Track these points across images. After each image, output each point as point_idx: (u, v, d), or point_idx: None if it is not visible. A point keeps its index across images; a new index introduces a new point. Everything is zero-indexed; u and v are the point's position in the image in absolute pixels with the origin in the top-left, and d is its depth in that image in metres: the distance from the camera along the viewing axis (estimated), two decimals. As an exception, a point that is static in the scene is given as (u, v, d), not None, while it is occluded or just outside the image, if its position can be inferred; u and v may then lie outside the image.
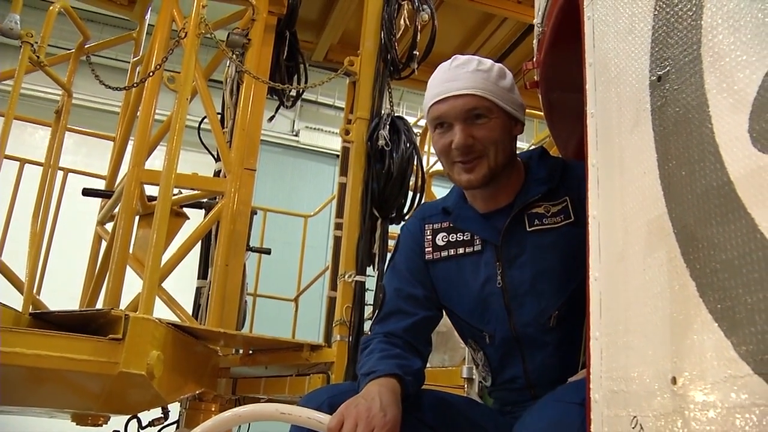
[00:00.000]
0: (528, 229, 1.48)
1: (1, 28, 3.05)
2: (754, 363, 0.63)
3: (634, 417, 0.80)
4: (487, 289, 1.50)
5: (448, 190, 1.70)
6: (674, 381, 0.73)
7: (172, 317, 3.30)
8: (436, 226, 1.61)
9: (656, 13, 0.85)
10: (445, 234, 1.59)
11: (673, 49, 0.81)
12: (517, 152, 1.60)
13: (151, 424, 3.45)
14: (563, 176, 1.52)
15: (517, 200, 1.51)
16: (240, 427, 3.79)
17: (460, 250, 1.55)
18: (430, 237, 1.60)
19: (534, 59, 1.70)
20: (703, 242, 0.71)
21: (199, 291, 3.79)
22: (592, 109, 1.02)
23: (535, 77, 1.68)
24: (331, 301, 3.35)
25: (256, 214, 4.19)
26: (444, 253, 1.57)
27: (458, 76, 1.47)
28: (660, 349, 0.77)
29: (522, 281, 1.47)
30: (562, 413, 1.15)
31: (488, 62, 1.52)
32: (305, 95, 8.15)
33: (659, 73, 0.83)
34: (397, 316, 1.56)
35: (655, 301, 0.79)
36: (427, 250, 1.59)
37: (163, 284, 3.23)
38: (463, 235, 1.56)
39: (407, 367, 1.43)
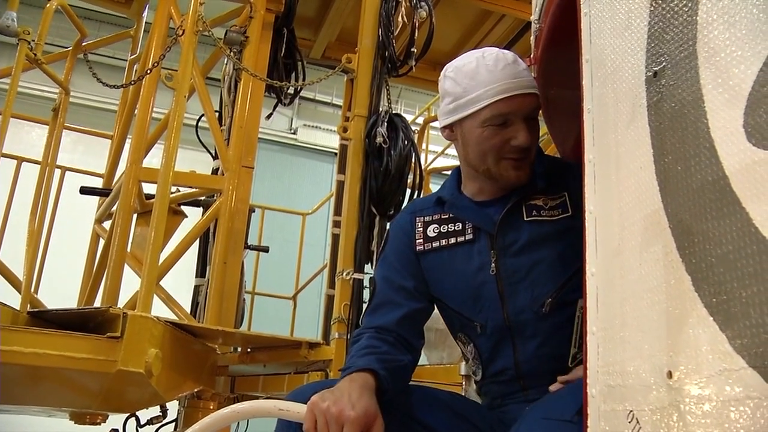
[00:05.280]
0: (525, 219, 1.49)
1: (-2, 26, 3.05)
2: (749, 356, 0.63)
3: (631, 411, 0.80)
4: (480, 277, 1.50)
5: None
6: (670, 375, 0.73)
7: (171, 315, 3.30)
8: (427, 218, 1.61)
9: (652, 9, 0.86)
10: (436, 225, 1.59)
11: (669, 45, 0.81)
12: None
13: (150, 422, 3.45)
14: (562, 173, 1.53)
15: (515, 190, 1.52)
16: (239, 425, 3.79)
17: (452, 240, 1.56)
18: (421, 229, 1.61)
19: (531, 56, 1.70)
20: (698, 237, 0.72)
21: (197, 289, 3.79)
22: (589, 105, 1.02)
23: (533, 74, 1.69)
24: (330, 299, 3.35)
25: (254, 211, 4.19)
26: (435, 244, 1.57)
27: (519, 73, 1.46)
28: (656, 344, 0.77)
29: (517, 269, 1.47)
30: None
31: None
32: (303, 93, 8.13)
33: (655, 69, 0.83)
34: (388, 306, 1.56)
35: (651, 296, 0.79)
36: (417, 241, 1.60)
37: (161, 282, 3.23)
38: (455, 225, 1.57)
39: (390, 362, 1.42)
